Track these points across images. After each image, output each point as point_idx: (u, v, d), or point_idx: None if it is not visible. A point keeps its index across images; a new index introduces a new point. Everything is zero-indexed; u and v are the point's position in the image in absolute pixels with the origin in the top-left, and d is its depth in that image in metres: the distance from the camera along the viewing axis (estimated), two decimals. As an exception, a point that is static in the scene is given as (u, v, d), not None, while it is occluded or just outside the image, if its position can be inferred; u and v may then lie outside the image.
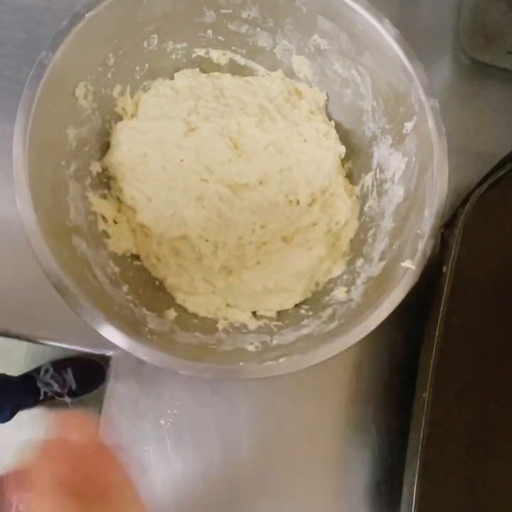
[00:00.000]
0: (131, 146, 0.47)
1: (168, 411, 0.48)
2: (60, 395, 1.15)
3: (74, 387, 1.15)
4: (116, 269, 0.45)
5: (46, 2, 0.56)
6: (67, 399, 1.16)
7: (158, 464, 0.47)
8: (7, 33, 0.54)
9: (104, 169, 0.49)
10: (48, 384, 1.14)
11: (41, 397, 1.14)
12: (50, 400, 1.16)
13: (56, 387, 1.14)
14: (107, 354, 0.49)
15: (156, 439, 0.48)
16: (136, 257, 0.49)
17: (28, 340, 0.50)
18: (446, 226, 0.44)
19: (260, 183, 0.48)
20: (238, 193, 0.47)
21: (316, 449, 0.50)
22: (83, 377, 1.17)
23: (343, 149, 0.50)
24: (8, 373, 1.18)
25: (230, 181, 0.47)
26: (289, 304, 0.48)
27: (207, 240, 0.47)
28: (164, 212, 0.47)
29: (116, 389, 0.48)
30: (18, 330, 0.49)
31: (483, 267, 0.47)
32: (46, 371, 1.15)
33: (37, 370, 1.16)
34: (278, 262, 0.47)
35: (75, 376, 1.15)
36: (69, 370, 1.16)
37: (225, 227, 0.47)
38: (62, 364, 1.17)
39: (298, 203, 0.48)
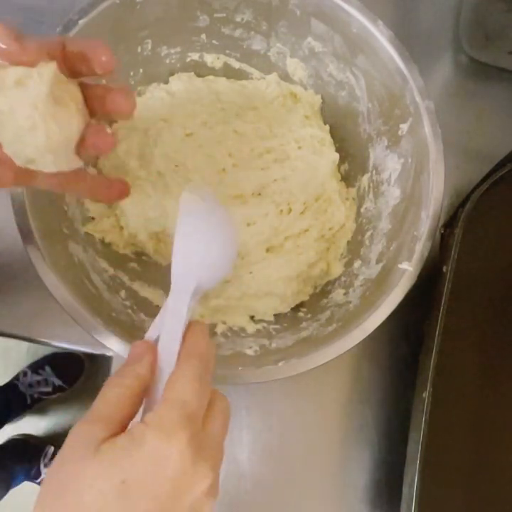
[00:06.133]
0: (127, 147, 0.47)
1: (168, 411, 0.48)
2: (48, 393, 1.16)
3: (57, 383, 1.15)
4: (114, 275, 0.45)
5: (46, 2, 0.56)
6: (56, 395, 1.16)
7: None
8: (7, 32, 0.54)
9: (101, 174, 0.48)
10: (31, 386, 1.14)
11: (28, 401, 1.14)
12: (39, 403, 1.16)
13: (41, 387, 1.14)
14: (108, 354, 0.49)
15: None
16: (133, 261, 0.49)
17: (28, 340, 0.50)
18: (446, 226, 0.44)
19: (252, 194, 0.47)
20: (229, 209, 0.47)
21: (316, 448, 0.50)
22: (62, 371, 1.16)
23: (336, 156, 0.50)
24: (9, 373, 1.18)
25: (223, 193, 0.46)
26: (283, 308, 0.48)
27: None
28: (150, 213, 0.46)
29: (117, 389, 0.48)
30: (18, 330, 0.49)
31: (483, 267, 0.47)
32: (25, 374, 1.15)
33: (16, 377, 1.16)
34: (262, 271, 0.46)
35: (54, 372, 1.15)
36: (47, 368, 1.15)
37: None
38: (38, 364, 1.17)
39: (289, 212, 0.48)
